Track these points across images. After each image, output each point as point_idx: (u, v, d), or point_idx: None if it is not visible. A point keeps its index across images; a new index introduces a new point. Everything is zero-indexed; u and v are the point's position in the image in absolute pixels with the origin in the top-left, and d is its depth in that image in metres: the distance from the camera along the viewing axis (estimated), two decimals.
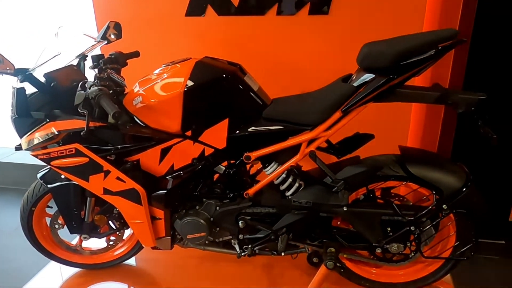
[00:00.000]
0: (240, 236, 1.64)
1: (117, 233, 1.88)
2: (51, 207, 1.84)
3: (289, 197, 1.56)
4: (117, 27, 1.82)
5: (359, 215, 1.50)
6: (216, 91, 1.48)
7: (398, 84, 1.35)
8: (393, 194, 1.61)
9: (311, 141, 1.47)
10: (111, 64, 1.67)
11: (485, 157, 2.11)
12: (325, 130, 1.43)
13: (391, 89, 1.35)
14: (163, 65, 1.61)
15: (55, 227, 1.86)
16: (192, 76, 1.46)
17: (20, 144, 1.61)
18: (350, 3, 2.03)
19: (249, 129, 1.50)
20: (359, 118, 1.43)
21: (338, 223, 1.63)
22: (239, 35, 2.22)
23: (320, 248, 1.61)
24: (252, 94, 1.52)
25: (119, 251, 1.96)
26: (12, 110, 1.55)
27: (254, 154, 1.51)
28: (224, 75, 1.48)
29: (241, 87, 1.50)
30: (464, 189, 1.44)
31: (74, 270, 2.00)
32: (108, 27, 1.78)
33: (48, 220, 1.88)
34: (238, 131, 1.51)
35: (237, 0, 2.15)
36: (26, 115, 1.54)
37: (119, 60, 1.72)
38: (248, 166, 1.70)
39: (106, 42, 1.75)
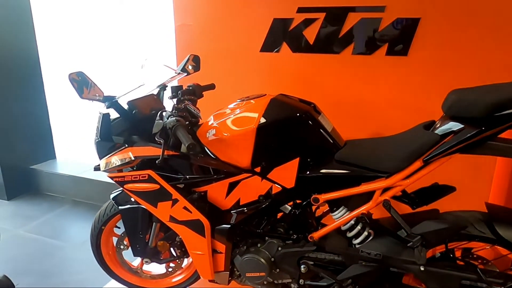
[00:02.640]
0: (301, 281, 1.56)
1: (177, 260, 1.89)
2: (119, 227, 1.90)
3: (357, 246, 1.47)
4: (196, 59, 1.91)
5: (436, 275, 1.36)
6: (289, 129, 1.46)
7: (489, 136, 1.23)
8: (475, 256, 1.45)
9: (386, 189, 1.38)
10: (189, 96, 1.73)
11: None
12: (403, 179, 1.34)
13: (481, 141, 1.24)
14: (238, 100, 1.63)
15: (120, 248, 1.92)
16: (266, 113, 1.46)
17: (98, 165, 1.70)
18: (431, 45, 1.94)
19: (321, 171, 1.45)
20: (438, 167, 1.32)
21: (410, 280, 1.49)
22: (313, 72, 2.21)
23: None
24: (325, 134, 1.48)
25: (177, 278, 1.96)
26: (96, 133, 1.65)
27: (323, 197, 1.46)
28: (298, 114, 1.46)
29: (314, 127, 1.47)
30: None
31: None
32: (188, 60, 1.87)
33: (115, 240, 1.94)
34: (308, 172, 1.46)
35: (313, 37, 2.17)
36: (107, 139, 1.64)
37: (196, 92, 1.78)
38: (313, 208, 1.64)
39: (186, 74, 1.83)
